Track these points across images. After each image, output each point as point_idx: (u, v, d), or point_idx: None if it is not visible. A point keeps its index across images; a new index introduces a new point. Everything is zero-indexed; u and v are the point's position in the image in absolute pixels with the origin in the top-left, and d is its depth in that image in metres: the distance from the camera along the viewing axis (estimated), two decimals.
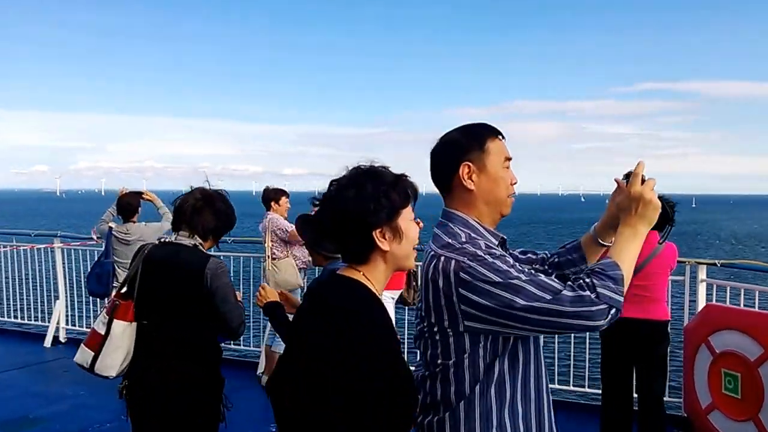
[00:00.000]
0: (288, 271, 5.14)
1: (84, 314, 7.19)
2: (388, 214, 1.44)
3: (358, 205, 1.41)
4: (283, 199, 5.36)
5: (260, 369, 5.71)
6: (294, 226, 5.20)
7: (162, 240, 2.77)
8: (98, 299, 6.21)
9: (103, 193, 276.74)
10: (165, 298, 2.63)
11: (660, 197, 3.95)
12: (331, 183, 1.49)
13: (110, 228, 5.34)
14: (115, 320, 2.62)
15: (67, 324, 7.03)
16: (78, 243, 7.05)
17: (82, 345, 2.69)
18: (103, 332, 2.62)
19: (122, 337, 2.62)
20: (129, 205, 5.35)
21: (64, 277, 7.05)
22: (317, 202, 1.52)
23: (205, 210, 2.73)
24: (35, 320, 7.37)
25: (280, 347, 5.23)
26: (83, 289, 7.12)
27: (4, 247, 7.58)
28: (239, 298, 2.82)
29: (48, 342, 6.81)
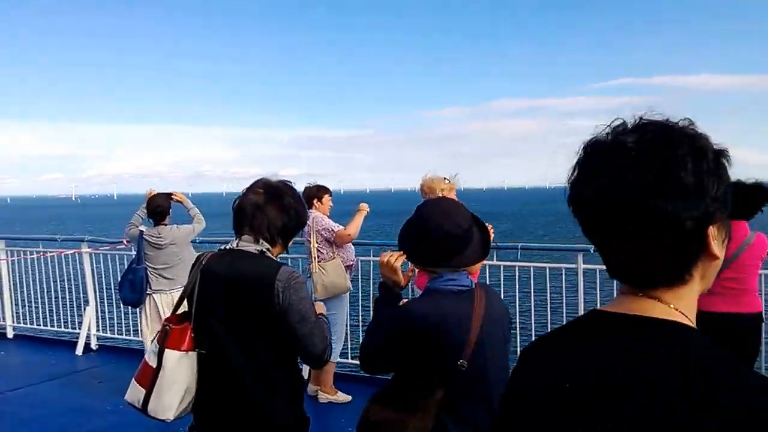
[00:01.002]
0: (336, 272, 4.76)
1: (115, 320, 6.93)
2: (726, 201, 0.86)
3: (698, 184, 0.82)
4: (326, 197, 4.99)
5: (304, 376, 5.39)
6: (340, 227, 4.88)
7: (223, 248, 2.27)
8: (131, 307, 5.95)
9: (115, 197, 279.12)
10: (228, 319, 2.14)
11: (752, 183, 3.49)
12: (624, 144, 0.85)
13: (141, 232, 5.06)
14: (167, 350, 2.14)
15: (98, 330, 6.77)
16: (106, 247, 6.79)
17: (132, 380, 2.23)
18: (154, 365, 2.15)
19: (177, 370, 2.14)
20: (160, 207, 5.06)
21: (94, 283, 6.79)
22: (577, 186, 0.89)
23: (271, 206, 2.24)
24: (65, 327, 7.13)
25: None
26: (113, 294, 6.88)
27: (31, 254, 7.34)
28: (322, 312, 2.34)
29: (79, 350, 6.55)
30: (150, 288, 5.05)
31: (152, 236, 5.02)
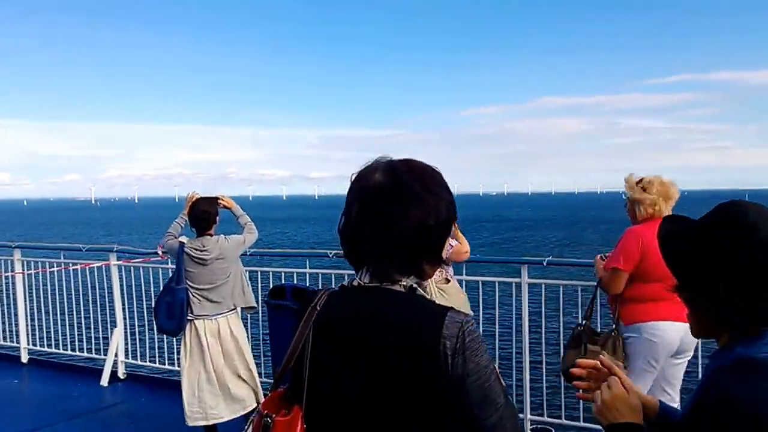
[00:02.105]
0: (457, 297, 3.62)
1: (147, 344, 5.92)
2: None
3: None
4: None
5: None
6: (456, 241, 3.73)
7: (347, 283, 1.38)
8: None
9: (136, 200, 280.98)
10: (364, 401, 1.28)
11: None
12: None
13: (181, 244, 4.09)
14: None
15: (126, 357, 5.79)
16: (139, 259, 5.77)
17: None
18: None
19: None
20: (206, 213, 4.10)
21: (123, 301, 5.80)
22: None
23: (391, 226, 1.32)
24: (88, 352, 6.14)
25: None
26: (145, 314, 5.90)
27: (51, 266, 6.32)
28: (501, 382, 1.33)
29: (105, 380, 5.58)
30: (191, 313, 4.08)
31: (195, 249, 4.05)
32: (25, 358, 6.30)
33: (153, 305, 4.30)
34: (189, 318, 4.08)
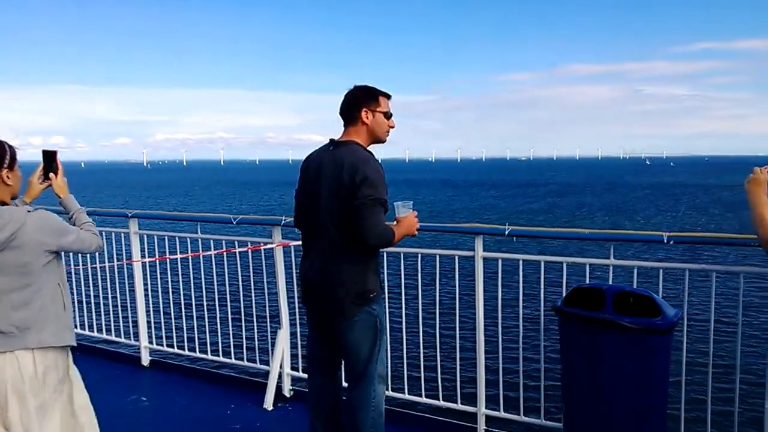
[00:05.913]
0: None
1: (299, 350, 4.01)
2: None
3: None
4: None
5: None
6: None
7: None
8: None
9: (185, 163, 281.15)
10: None
11: None
12: None
13: None
14: None
15: (292, 368, 3.94)
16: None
17: None
18: None
19: None
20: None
21: (287, 295, 3.88)
22: None
23: None
24: (240, 359, 4.23)
25: None
26: (298, 310, 4.01)
27: (192, 251, 4.32)
28: None
29: (268, 401, 3.76)
30: None
31: None
32: (146, 361, 4.52)
33: None
34: None
